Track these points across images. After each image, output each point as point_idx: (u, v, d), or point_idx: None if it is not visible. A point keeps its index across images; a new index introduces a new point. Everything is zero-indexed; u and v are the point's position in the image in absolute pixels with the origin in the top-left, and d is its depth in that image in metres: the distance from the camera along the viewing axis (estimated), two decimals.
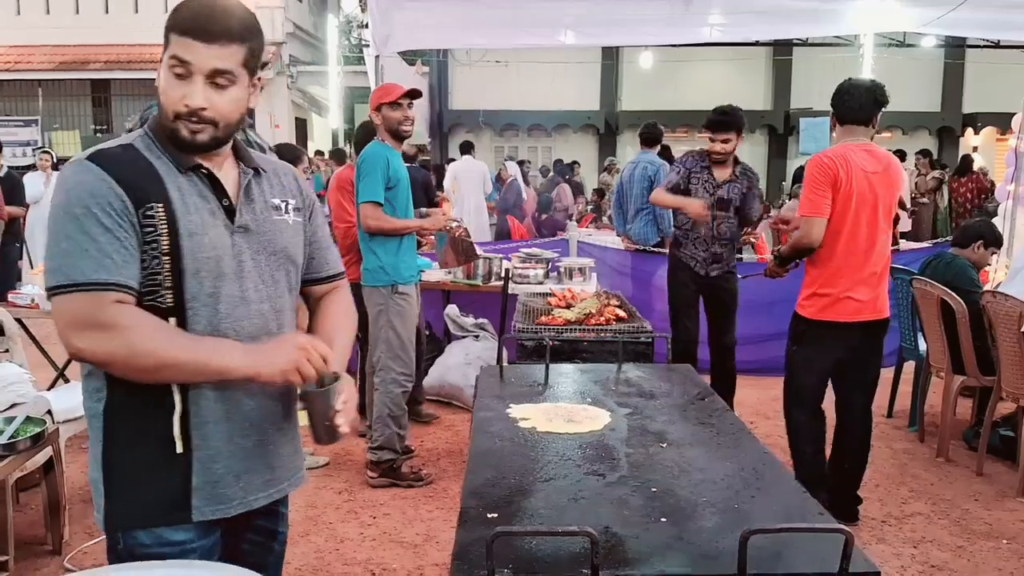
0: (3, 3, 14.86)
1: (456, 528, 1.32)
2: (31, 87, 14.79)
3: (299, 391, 1.47)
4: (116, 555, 1.45)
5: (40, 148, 9.16)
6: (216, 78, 1.39)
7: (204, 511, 1.44)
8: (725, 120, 4.34)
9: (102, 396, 1.43)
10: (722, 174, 4.46)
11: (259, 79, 1.49)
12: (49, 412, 3.13)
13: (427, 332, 5.14)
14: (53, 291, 1.34)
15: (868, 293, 3.27)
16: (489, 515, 1.36)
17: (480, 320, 5.30)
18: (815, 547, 1.24)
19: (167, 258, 1.38)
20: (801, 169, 7.32)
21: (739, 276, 4.72)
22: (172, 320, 1.40)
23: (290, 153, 4.20)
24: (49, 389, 4.28)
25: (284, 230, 1.55)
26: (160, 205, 1.39)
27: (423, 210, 4.58)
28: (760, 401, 5.33)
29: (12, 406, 2.98)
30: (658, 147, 6.69)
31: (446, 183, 9.80)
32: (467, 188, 9.49)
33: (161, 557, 1.39)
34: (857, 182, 3.18)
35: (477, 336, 5.20)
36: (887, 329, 3.40)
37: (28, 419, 2.75)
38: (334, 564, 3.13)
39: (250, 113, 2.32)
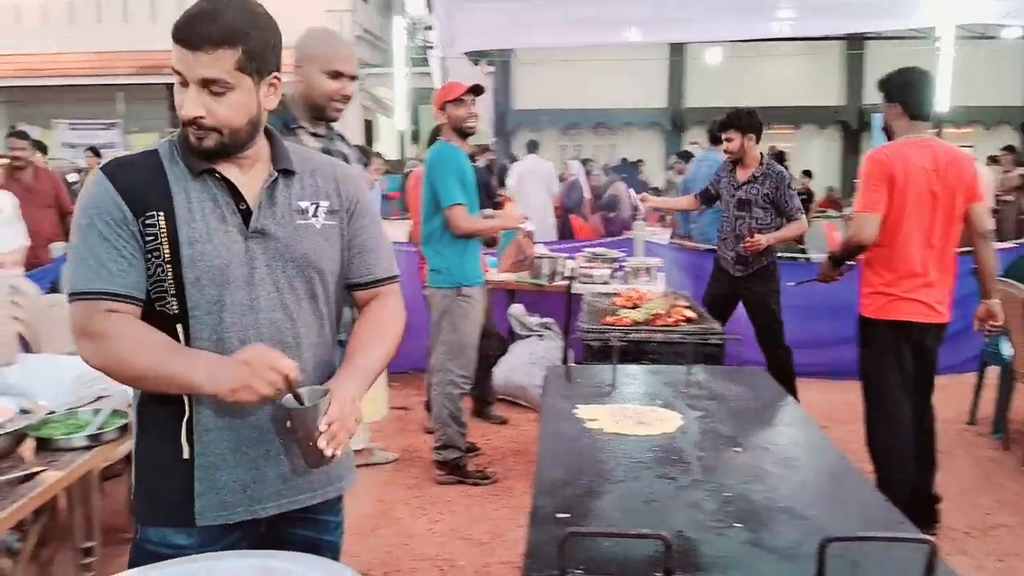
0: (84, 11, 15.50)
1: (527, 527, 1.32)
2: (112, 91, 15.41)
3: (282, 407, 1.36)
4: (133, 547, 1.49)
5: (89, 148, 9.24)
6: (209, 86, 1.35)
7: (206, 516, 1.43)
8: (725, 120, 4.50)
9: (137, 393, 1.49)
10: (743, 175, 4.51)
11: (276, 79, 1.44)
12: (131, 405, 3.25)
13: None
14: (69, 298, 1.40)
15: (929, 295, 3.14)
16: (560, 515, 1.36)
17: (545, 320, 5.30)
18: (896, 557, 1.21)
19: (169, 266, 1.38)
20: None
21: (790, 284, 4.66)
22: (179, 327, 1.41)
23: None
24: None
25: (307, 235, 1.48)
26: (161, 213, 1.38)
27: (487, 211, 4.61)
28: (832, 405, 5.19)
29: (98, 399, 3.11)
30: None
31: (510, 182, 9.82)
32: (532, 187, 9.49)
33: (162, 557, 1.37)
34: (915, 179, 3.05)
35: (541, 336, 5.20)
36: (945, 333, 3.26)
37: (114, 411, 2.86)
38: (403, 559, 3.18)
39: (318, 113, 2.39)
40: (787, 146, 14.66)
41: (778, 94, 16.21)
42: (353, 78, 2.41)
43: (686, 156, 9.73)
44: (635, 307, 3.34)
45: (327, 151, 2.38)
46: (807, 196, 11.17)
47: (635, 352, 2.82)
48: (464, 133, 3.87)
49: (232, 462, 1.44)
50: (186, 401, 1.42)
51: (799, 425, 1.89)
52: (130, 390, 3.30)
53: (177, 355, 1.37)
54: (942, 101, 8.56)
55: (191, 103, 1.36)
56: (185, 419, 1.43)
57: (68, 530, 2.78)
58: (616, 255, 5.46)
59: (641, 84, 16.92)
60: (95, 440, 2.63)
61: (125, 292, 1.37)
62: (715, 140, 6.55)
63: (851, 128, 16.83)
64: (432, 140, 4.77)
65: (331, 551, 1.60)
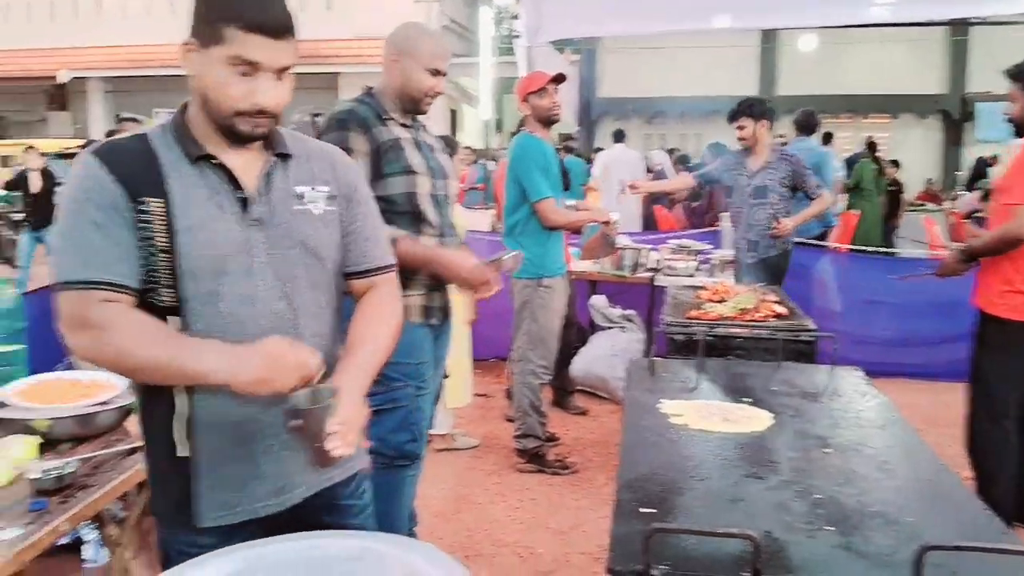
0: (158, 4, 16.14)
1: (611, 520, 1.33)
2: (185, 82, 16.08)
3: (288, 405, 1.30)
4: (161, 546, 1.48)
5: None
6: (281, 73, 1.34)
7: (207, 517, 1.39)
8: (737, 108, 4.53)
9: (138, 393, 1.46)
10: (756, 162, 4.50)
11: None
12: None
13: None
14: (55, 288, 1.32)
15: None
16: (643, 510, 1.36)
17: (627, 311, 5.26)
18: (999, 571, 1.16)
19: (164, 255, 1.32)
20: (982, 160, 6.77)
21: (895, 277, 4.55)
22: (173, 319, 1.34)
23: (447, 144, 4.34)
24: None
25: (307, 221, 1.44)
26: (157, 200, 1.32)
27: (568, 202, 4.60)
28: (930, 407, 4.99)
29: None
30: (815, 134, 6.43)
31: (595, 172, 9.75)
32: (618, 177, 9.40)
33: (185, 556, 1.28)
34: None
35: (623, 328, 5.17)
36: None
37: None
38: (483, 543, 3.22)
39: (411, 106, 2.43)
40: (883, 136, 14.10)
41: (875, 82, 15.56)
42: (445, 74, 2.46)
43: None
44: (722, 301, 3.28)
45: (416, 141, 2.43)
46: (897, 187, 10.68)
47: (721, 347, 2.77)
48: (549, 122, 3.89)
49: (232, 457, 1.39)
50: (183, 398, 1.36)
51: (893, 427, 1.83)
52: None
53: (183, 344, 1.31)
54: None
55: (272, 92, 1.33)
56: (182, 416, 1.37)
57: None
58: (702, 247, 5.37)
59: (730, 72, 16.49)
60: None
61: (120, 281, 1.31)
62: (803, 129, 6.36)
63: (952, 118, 16.03)
64: (518, 131, 4.81)
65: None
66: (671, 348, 2.83)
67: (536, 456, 3.95)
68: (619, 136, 10.22)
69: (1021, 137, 3.23)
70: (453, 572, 1.10)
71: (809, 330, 2.83)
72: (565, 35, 9.50)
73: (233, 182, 1.39)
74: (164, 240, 1.32)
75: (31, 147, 9.46)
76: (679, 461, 1.60)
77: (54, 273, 1.31)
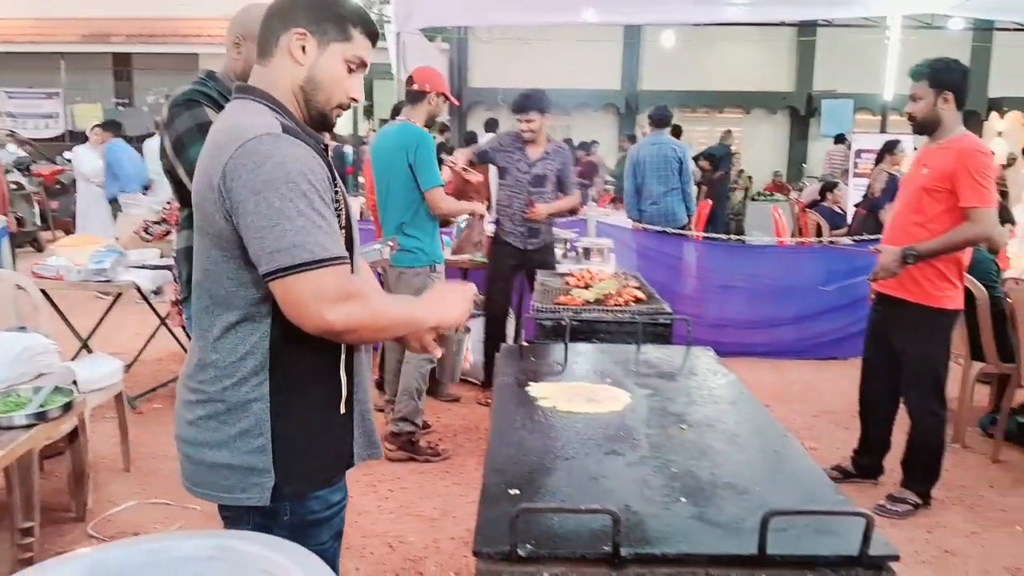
0: None
1: (479, 503, 1.34)
2: (54, 60, 14.86)
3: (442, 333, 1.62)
4: (282, 526, 1.46)
5: (96, 124, 8.95)
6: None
7: (362, 455, 1.59)
8: (527, 103, 4.60)
9: (263, 379, 1.44)
10: (535, 152, 4.71)
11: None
12: (75, 382, 3.18)
13: None
14: (299, 268, 1.33)
15: None
16: (511, 491, 1.38)
17: None
18: (835, 530, 1.26)
19: (344, 231, 1.48)
20: (889, 143, 7.21)
21: (823, 288, 4.91)
22: None
23: None
24: (73, 360, 4.34)
25: None
26: (337, 182, 1.48)
27: None
28: (776, 384, 5.34)
29: (39, 376, 3.03)
30: (669, 128, 6.75)
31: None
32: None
33: (327, 521, 1.53)
34: None
35: None
36: None
37: (56, 389, 2.79)
38: (352, 536, 3.18)
39: None
40: (736, 131, 14.87)
41: (730, 79, 16.38)
42: None
43: (633, 139, 9.81)
44: (587, 287, 3.37)
45: None
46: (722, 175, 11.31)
47: (587, 331, 2.85)
48: (433, 124, 4.12)
49: (366, 402, 1.61)
50: (343, 358, 1.52)
51: (743, 403, 1.94)
52: (72, 367, 3.22)
53: (402, 299, 1.69)
54: (888, 89, 8.76)
55: (363, 89, 1.54)
56: (344, 377, 1.53)
57: (7, 510, 2.72)
58: (569, 235, 5.49)
59: (596, 66, 16.90)
60: (38, 418, 2.57)
61: (347, 256, 1.43)
62: (659, 124, 6.65)
63: (800, 114, 17.10)
64: (392, 117, 4.82)
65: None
66: (540, 333, 2.89)
67: (409, 444, 3.94)
68: (491, 126, 10.29)
69: (923, 135, 3.39)
70: (314, 568, 1.07)
71: (666, 313, 2.95)
72: (435, 23, 9.46)
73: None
74: (345, 219, 1.50)
75: None
76: (545, 442, 1.64)
77: (302, 253, 1.33)
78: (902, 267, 3.27)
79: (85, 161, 7.05)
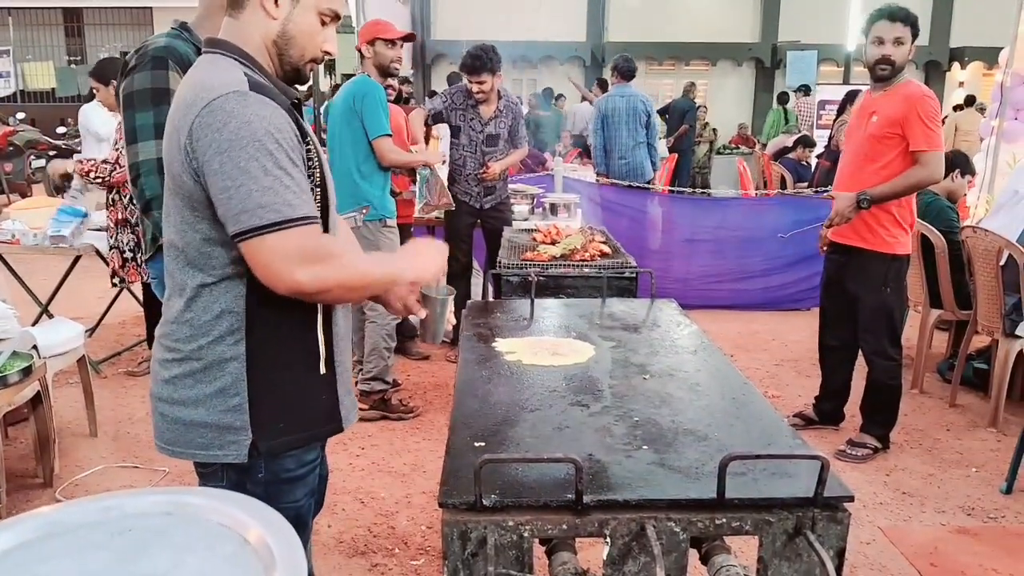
0: None
1: (444, 457, 1.36)
2: (1, 16, 14.33)
3: (422, 292, 1.61)
4: (257, 483, 1.46)
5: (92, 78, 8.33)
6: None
7: (349, 419, 1.59)
8: (477, 64, 4.52)
9: (239, 338, 1.42)
10: (487, 111, 4.70)
11: None
12: (35, 347, 3.14)
13: None
14: (266, 229, 1.30)
15: None
16: (476, 444, 1.40)
17: None
18: (792, 473, 1.29)
19: (319, 190, 1.44)
20: (851, 93, 7.17)
21: (782, 236, 4.93)
22: None
23: None
24: (33, 325, 4.27)
25: None
26: (309, 139, 1.44)
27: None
28: (740, 335, 5.42)
29: None
30: (633, 79, 6.69)
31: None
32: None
33: (302, 479, 1.51)
34: None
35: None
36: None
37: (15, 354, 2.75)
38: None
39: None
40: (702, 83, 14.85)
41: (696, 31, 16.30)
42: None
43: (604, 84, 9.72)
44: (554, 243, 3.38)
45: None
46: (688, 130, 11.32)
47: (553, 286, 2.87)
48: (388, 73, 3.96)
49: (346, 363, 1.59)
50: (320, 318, 1.49)
51: (705, 352, 1.97)
52: (32, 332, 3.17)
53: (377, 256, 1.66)
54: (852, 39, 8.78)
55: (335, 41, 1.50)
56: (322, 337, 1.49)
57: None
58: (536, 191, 5.48)
59: (562, 18, 16.71)
60: None
61: (317, 216, 1.39)
62: (625, 76, 6.58)
63: (764, 66, 17.09)
64: (353, 73, 4.71)
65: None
66: (507, 289, 2.90)
67: (380, 402, 3.95)
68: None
69: (883, 82, 3.35)
70: (271, 522, 1.07)
71: (631, 267, 2.98)
72: None
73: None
74: (319, 176, 1.45)
75: None
76: (511, 395, 1.66)
77: (269, 214, 1.30)
78: (856, 212, 3.33)
79: (96, 121, 6.46)
